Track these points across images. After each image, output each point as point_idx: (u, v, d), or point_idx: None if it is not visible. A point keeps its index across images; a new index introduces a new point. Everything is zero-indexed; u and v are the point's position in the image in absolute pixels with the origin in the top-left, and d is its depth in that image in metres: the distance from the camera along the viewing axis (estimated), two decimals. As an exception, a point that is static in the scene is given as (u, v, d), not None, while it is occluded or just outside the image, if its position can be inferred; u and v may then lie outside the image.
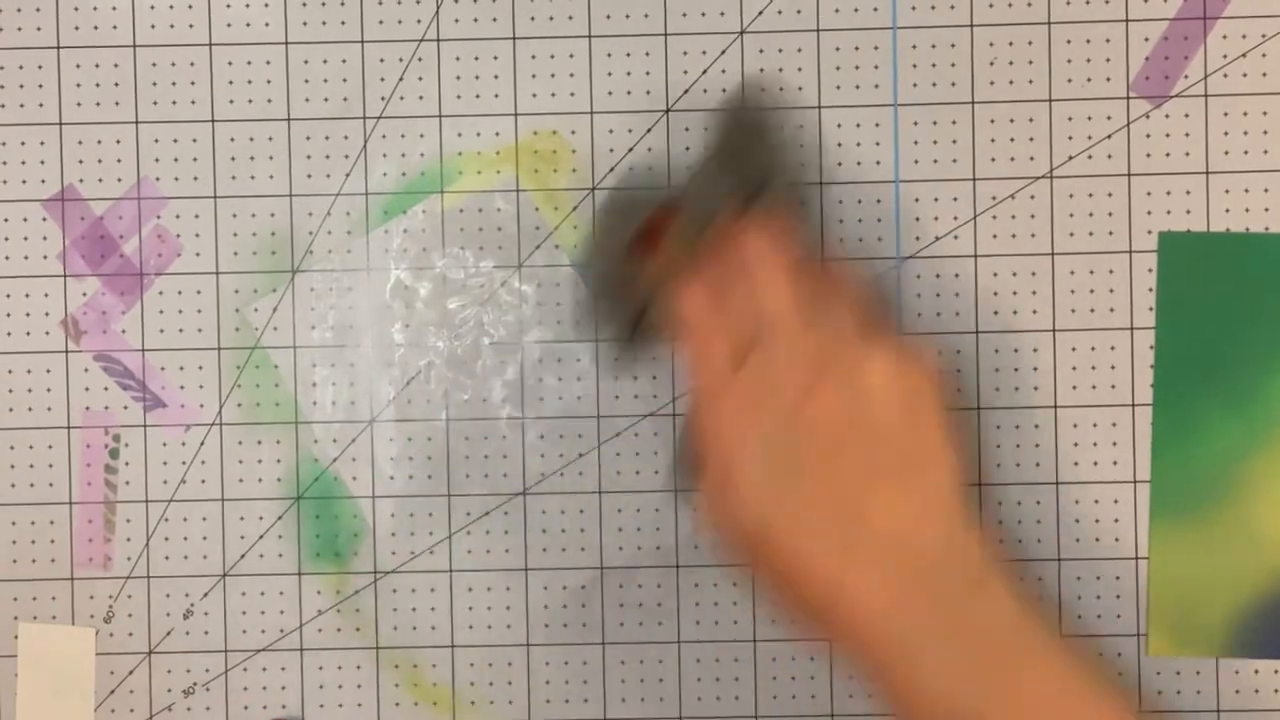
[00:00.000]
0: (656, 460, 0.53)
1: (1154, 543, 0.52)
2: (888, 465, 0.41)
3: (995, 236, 0.52)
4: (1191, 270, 0.52)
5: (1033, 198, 0.52)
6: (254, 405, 0.53)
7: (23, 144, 0.53)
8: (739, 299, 0.43)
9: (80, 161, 0.53)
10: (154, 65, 0.53)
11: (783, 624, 0.51)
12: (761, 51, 0.52)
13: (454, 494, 0.53)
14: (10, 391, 0.53)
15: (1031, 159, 0.52)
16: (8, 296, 0.53)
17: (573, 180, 0.53)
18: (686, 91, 0.52)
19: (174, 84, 0.53)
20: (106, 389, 0.53)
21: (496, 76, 0.53)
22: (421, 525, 0.53)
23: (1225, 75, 0.52)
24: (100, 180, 0.53)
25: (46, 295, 0.53)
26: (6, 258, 0.53)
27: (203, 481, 0.53)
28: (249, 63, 0.53)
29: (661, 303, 0.46)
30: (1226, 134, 0.52)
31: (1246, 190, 0.52)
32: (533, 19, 0.53)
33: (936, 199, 0.52)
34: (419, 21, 0.53)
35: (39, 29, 0.53)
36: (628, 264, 0.47)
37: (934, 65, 0.52)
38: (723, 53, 0.52)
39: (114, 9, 0.53)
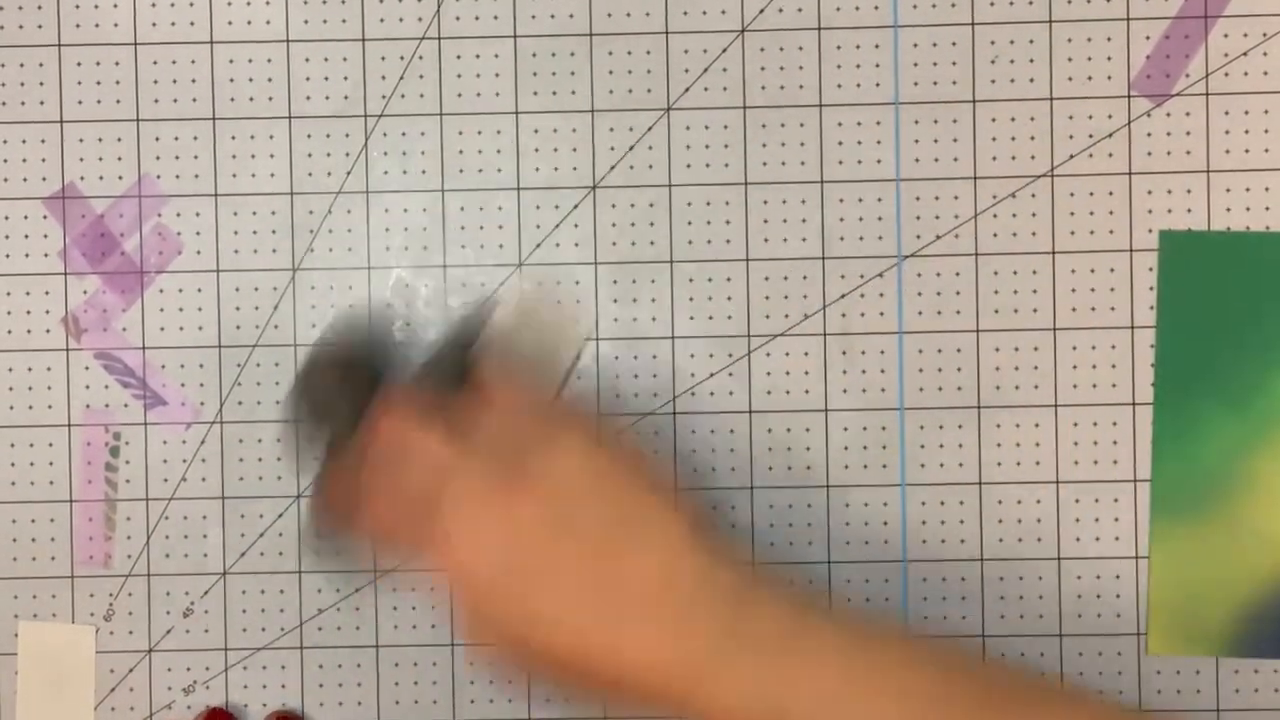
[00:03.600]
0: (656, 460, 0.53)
1: (1154, 542, 0.52)
2: (617, 536, 0.43)
3: (996, 235, 0.52)
4: (1192, 269, 0.52)
5: (1033, 196, 0.52)
6: (254, 404, 0.53)
7: (24, 142, 0.53)
8: (403, 476, 0.44)
9: (81, 159, 0.53)
10: (155, 63, 0.53)
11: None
12: (762, 50, 0.52)
13: (454, 492, 0.53)
14: (11, 389, 0.53)
15: (1032, 158, 0.52)
16: (8, 294, 0.53)
17: (573, 179, 0.53)
18: (687, 90, 0.52)
19: (175, 82, 0.53)
20: (107, 387, 0.53)
21: (497, 75, 0.53)
22: (422, 523, 0.53)
23: (1226, 74, 0.52)
24: (101, 178, 0.53)
25: (47, 293, 0.53)
26: (7, 255, 0.53)
27: (203, 480, 0.53)
28: (250, 61, 0.53)
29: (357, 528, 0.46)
30: (1227, 133, 0.52)
31: (1247, 189, 0.52)
32: (533, 17, 0.53)
33: (937, 198, 0.52)
34: (420, 20, 0.53)
35: (40, 27, 0.53)
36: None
37: (935, 64, 0.52)
38: (723, 51, 0.52)
39: (115, 7, 0.53)
